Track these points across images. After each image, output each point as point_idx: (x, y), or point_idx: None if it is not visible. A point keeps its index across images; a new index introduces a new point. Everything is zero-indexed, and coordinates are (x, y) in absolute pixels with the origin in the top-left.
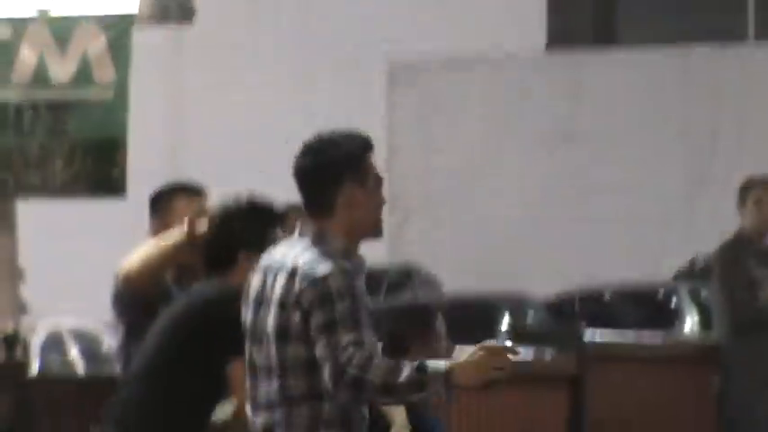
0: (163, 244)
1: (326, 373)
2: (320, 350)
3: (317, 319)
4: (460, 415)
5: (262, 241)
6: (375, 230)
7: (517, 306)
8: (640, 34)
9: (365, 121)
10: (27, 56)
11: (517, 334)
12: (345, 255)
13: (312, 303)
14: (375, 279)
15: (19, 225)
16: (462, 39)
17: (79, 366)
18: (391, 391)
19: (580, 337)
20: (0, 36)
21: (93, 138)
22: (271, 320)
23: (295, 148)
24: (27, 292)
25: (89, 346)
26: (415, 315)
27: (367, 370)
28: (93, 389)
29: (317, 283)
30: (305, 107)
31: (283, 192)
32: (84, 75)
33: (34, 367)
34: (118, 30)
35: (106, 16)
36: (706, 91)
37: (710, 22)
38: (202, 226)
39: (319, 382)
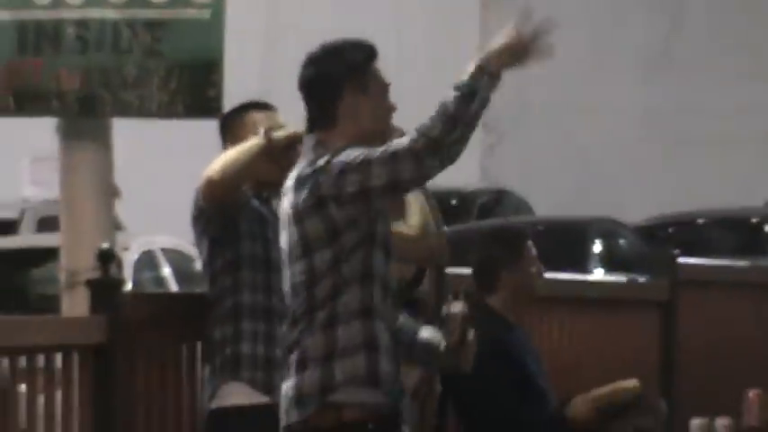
0: (242, 149)
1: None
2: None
3: (350, 178)
4: (551, 337)
5: None
6: (382, 137)
7: (609, 231)
8: None
9: (459, 45)
10: None
11: (609, 259)
12: None
13: (336, 179)
14: (467, 201)
15: (115, 144)
16: None
17: (171, 284)
18: (457, 119)
19: (672, 263)
20: None
21: (189, 58)
22: (289, 237)
23: (395, 73)
24: (122, 210)
25: (181, 264)
26: (506, 239)
27: (426, 131)
28: (185, 306)
29: (325, 166)
30: (400, 31)
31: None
32: None
33: (128, 284)
34: None
35: None
36: None
37: None
38: (279, 136)
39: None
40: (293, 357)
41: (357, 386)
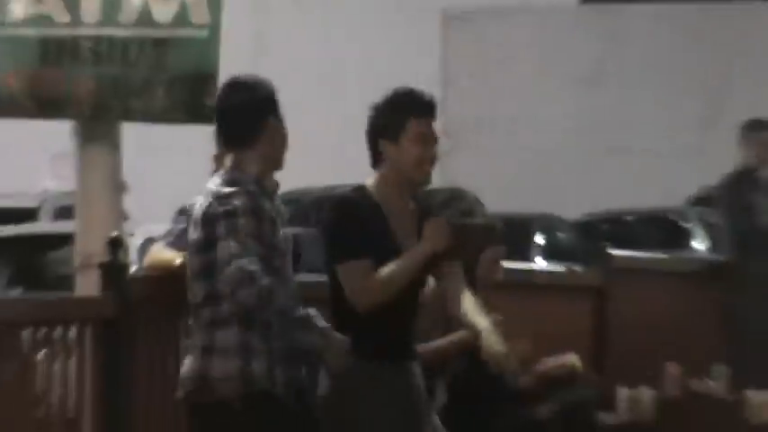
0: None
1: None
2: (220, 253)
3: (220, 229)
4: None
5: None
6: (280, 163)
7: (549, 226)
8: None
9: (424, 62)
10: (133, 0)
11: (549, 251)
12: (259, 178)
13: (218, 217)
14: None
15: (123, 145)
16: None
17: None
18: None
19: (604, 254)
20: None
21: (188, 71)
22: (191, 236)
23: (360, 86)
24: (128, 202)
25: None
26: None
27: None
28: (181, 285)
29: (220, 199)
30: (372, 51)
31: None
32: (182, 17)
33: (133, 267)
34: None
35: None
36: (720, 43)
37: None
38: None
39: (215, 286)
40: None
41: None
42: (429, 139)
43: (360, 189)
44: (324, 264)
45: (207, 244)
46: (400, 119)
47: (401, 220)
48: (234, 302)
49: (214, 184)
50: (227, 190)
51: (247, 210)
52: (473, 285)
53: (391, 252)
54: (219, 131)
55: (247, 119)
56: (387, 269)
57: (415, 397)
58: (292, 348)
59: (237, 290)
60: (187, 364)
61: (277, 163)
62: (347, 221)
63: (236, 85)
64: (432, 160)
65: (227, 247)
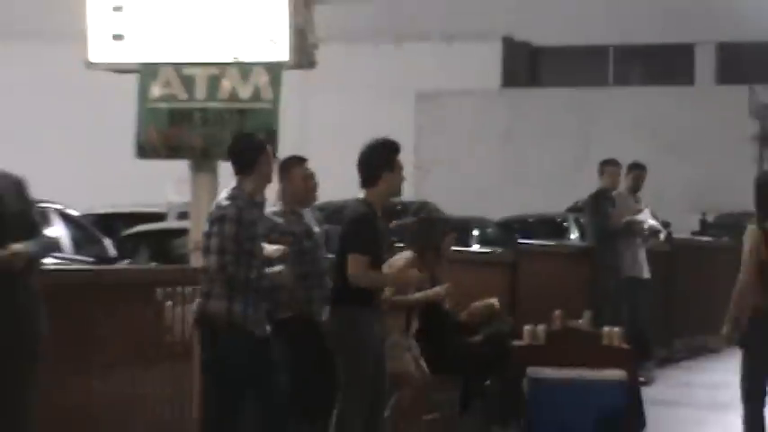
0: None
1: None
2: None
3: (213, 228)
4: (454, 283)
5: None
6: (270, 181)
7: (481, 224)
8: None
9: (401, 131)
10: (225, 83)
11: (481, 240)
12: (252, 195)
13: (213, 221)
14: (404, 207)
15: (219, 174)
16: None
17: None
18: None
19: (514, 242)
20: (210, 72)
21: (260, 128)
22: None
23: (351, 151)
24: None
25: None
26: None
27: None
28: None
29: (217, 209)
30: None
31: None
32: (256, 95)
33: None
34: (275, 71)
35: (269, 62)
36: (589, 114)
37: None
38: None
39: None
40: None
41: None
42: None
43: (367, 204)
44: (339, 248)
45: (207, 234)
46: (394, 155)
47: (382, 224)
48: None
49: (220, 196)
50: (225, 202)
51: (232, 218)
52: (439, 258)
53: (381, 248)
54: (233, 165)
55: (246, 157)
56: (376, 275)
57: (379, 328)
58: (257, 296)
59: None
60: (196, 304)
61: (265, 184)
62: (362, 227)
63: (236, 138)
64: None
65: (214, 242)
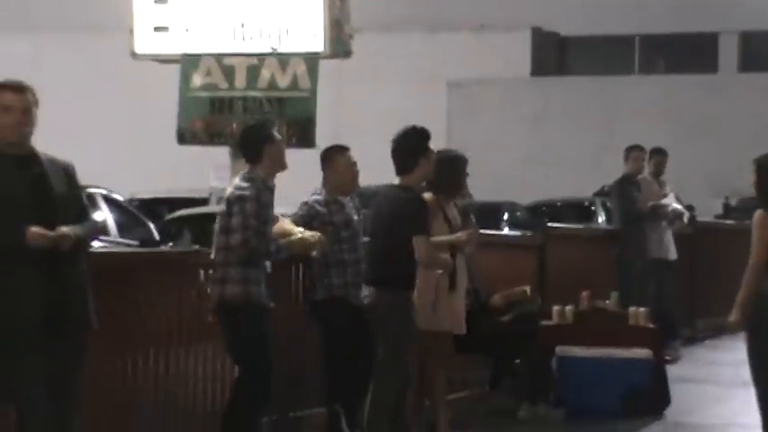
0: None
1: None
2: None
3: (234, 207)
4: (484, 266)
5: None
6: (282, 168)
7: (511, 208)
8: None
9: (433, 119)
10: (264, 73)
11: (511, 223)
12: (264, 180)
13: (233, 201)
14: None
15: None
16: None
17: None
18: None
19: (544, 225)
20: (250, 62)
21: (298, 117)
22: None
23: (385, 139)
24: None
25: None
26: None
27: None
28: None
29: (236, 190)
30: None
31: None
32: (294, 84)
33: None
34: (312, 61)
35: (306, 53)
36: (613, 100)
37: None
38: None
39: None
40: None
41: None
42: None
43: (411, 189)
44: (395, 230)
45: (227, 214)
46: (427, 142)
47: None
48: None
49: (236, 180)
50: (244, 184)
51: (252, 197)
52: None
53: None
54: (243, 155)
55: (253, 146)
56: (443, 258)
57: None
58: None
59: (239, 247)
60: (212, 291)
61: (279, 167)
62: (421, 210)
63: (245, 128)
64: None
65: (236, 220)
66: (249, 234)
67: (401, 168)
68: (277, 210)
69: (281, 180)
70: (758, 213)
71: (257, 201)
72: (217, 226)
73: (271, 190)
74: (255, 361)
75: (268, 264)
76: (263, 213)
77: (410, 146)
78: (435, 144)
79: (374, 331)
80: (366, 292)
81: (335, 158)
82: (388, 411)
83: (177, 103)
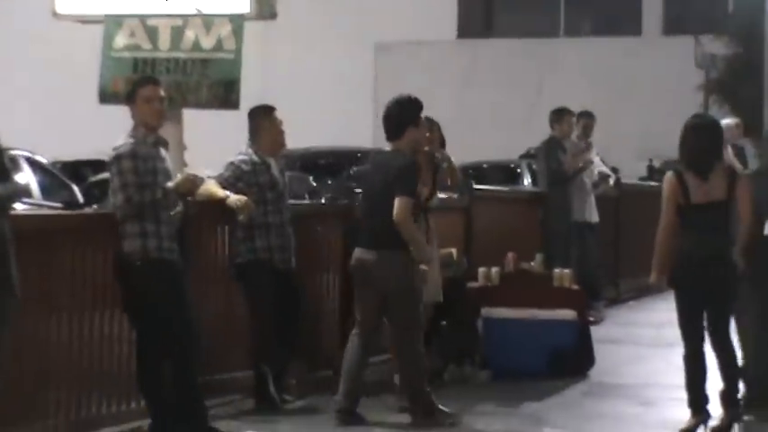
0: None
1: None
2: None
3: (111, 171)
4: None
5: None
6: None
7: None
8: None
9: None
10: (188, 34)
11: (441, 186)
12: (145, 136)
13: (111, 163)
14: (363, 155)
15: (184, 122)
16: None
17: None
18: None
19: (470, 187)
20: (174, 23)
21: (222, 79)
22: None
23: (312, 100)
24: (187, 155)
25: None
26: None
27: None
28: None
29: (113, 150)
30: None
31: (325, 123)
32: (219, 45)
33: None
34: (237, 22)
35: (231, 14)
36: (539, 60)
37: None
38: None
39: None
40: None
41: None
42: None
43: (404, 154)
44: (384, 190)
45: (111, 178)
46: (419, 112)
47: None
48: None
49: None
50: (118, 143)
51: (127, 154)
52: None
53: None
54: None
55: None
56: (415, 231)
57: None
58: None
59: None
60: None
61: (152, 119)
62: (412, 173)
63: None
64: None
65: (116, 180)
66: (130, 191)
67: (390, 135)
68: (204, 172)
69: (204, 144)
70: (668, 175)
71: (133, 157)
72: (110, 188)
73: (156, 143)
74: (156, 319)
75: (174, 216)
76: (143, 166)
77: (402, 114)
78: (363, 106)
79: (302, 295)
80: (369, 255)
81: (262, 119)
82: (426, 372)
83: (100, 64)
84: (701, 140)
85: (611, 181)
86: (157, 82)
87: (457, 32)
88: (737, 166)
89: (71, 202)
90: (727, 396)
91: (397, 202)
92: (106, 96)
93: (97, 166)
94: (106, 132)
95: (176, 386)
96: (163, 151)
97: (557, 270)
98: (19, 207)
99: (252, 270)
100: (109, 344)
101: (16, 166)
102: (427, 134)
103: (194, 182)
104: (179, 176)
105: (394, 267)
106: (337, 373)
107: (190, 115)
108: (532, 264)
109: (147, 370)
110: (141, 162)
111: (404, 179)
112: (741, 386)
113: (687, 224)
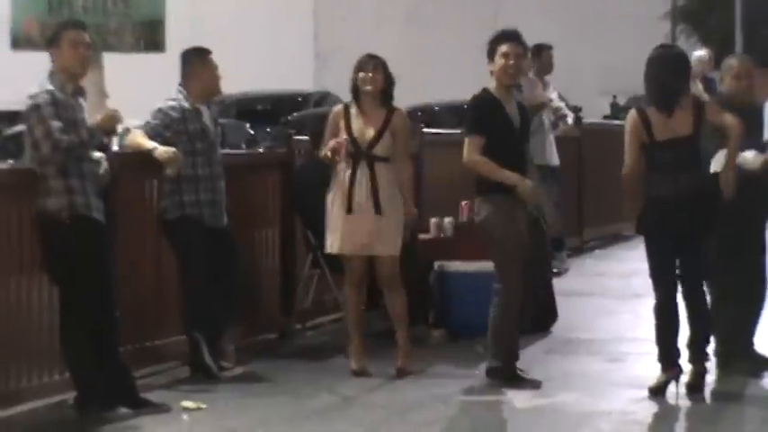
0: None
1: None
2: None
3: (31, 121)
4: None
5: None
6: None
7: None
8: None
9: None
10: None
11: None
12: (63, 83)
13: (29, 113)
14: (304, 99)
15: (105, 67)
16: None
17: None
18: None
19: (420, 131)
20: None
21: (147, 17)
22: None
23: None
24: (109, 103)
25: None
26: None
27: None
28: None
29: (29, 99)
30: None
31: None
32: None
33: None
34: None
35: None
36: None
37: None
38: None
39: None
40: None
41: None
42: (509, 56)
43: (485, 90)
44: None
45: (29, 129)
46: (495, 45)
47: (510, 106)
48: None
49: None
50: (33, 91)
51: (46, 102)
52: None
53: (507, 126)
54: None
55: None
56: (489, 165)
57: None
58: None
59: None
60: (34, 206)
61: (74, 66)
62: (476, 110)
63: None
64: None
65: (38, 130)
66: (57, 137)
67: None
68: (130, 123)
69: (128, 89)
70: (631, 113)
71: (53, 104)
72: (26, 142)
73: (75, 93)
74: (79, 282)
75: (102, 178)
76: (64, 113)
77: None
78: (303, 45)
79: (237, 254)
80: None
81: (196, 62)
82: (514, 330)
83: (10, 3)
84: (664, 73)
85: (571, 119)
86: (84, 26)
87: None
88: (705, 96)
89: None
90: (697, 348)
91: (466, 142)
92: (19, 41)
93: (13, 117)
94: (20, 81)
95: (99, 356)
96: (82, 101)
97: None
98: None
99: (180, 227)
100: (28, 311)
101: None
102: (369, 74)
103: (116, 117)
104: (98, 116)
105: (489, 212)
106: (282, 336)
107: (112, 60)
108: None
109: (70, 340)
110: (63, 110)
111: (467, 120)
112: (711, 339)
113: (652, 164)
